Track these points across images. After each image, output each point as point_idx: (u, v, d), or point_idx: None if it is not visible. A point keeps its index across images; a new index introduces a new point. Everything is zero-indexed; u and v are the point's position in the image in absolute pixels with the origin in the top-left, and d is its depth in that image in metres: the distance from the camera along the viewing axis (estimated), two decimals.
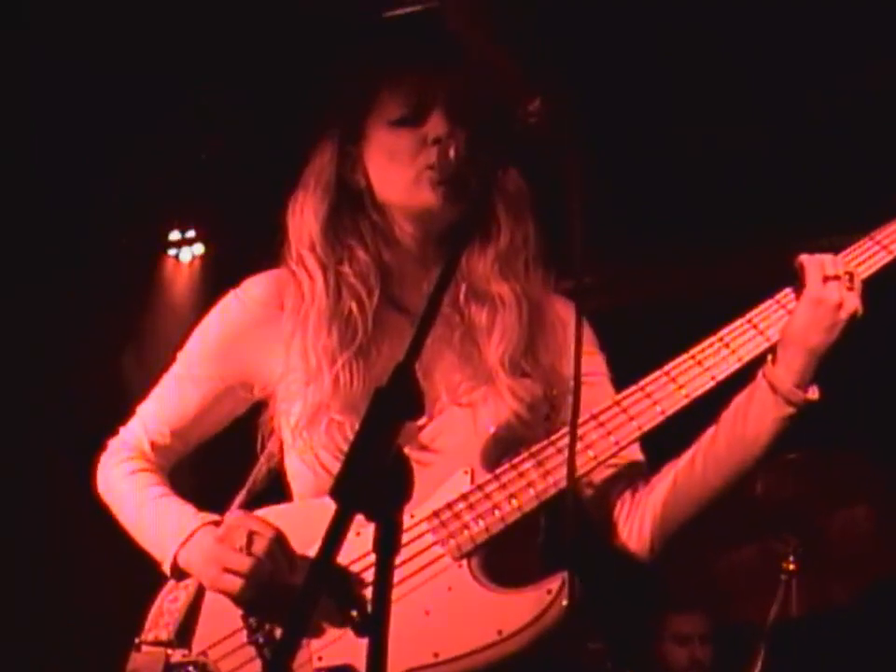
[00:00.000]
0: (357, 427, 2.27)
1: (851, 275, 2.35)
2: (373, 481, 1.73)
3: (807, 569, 3.91)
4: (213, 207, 6.12)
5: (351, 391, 2.48)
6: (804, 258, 2.39)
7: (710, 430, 2.44)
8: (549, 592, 2.28)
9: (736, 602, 4.09)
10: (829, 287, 2.33)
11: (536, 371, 2.53)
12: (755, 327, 2.42)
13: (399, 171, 2.53)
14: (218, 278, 6.26)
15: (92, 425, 5.69)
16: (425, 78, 2.55)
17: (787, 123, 5.27)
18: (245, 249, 5.96)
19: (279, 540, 2.39)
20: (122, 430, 2.71)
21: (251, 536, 2.37)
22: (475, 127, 2.43)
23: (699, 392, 2.40)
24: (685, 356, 2.44)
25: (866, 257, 2.41)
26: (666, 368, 2.44)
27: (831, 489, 3.83)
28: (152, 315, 6.36)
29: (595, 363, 2.61)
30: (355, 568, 2.36)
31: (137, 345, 6.32)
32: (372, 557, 1.78)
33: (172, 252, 6.34)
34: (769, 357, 2.39)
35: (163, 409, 2.66)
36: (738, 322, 2.45)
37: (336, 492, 1.71)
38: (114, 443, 2.70)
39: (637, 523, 2.51)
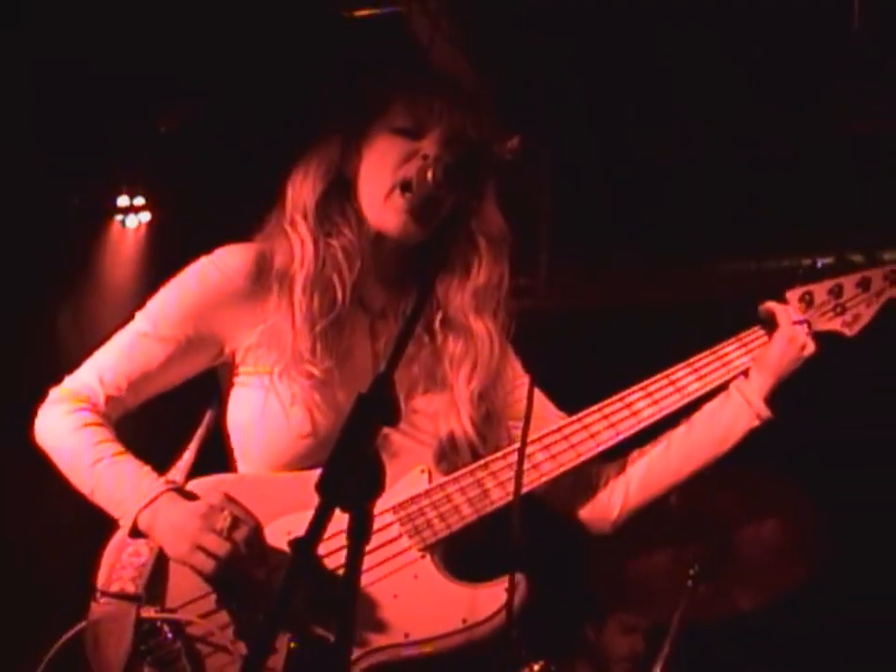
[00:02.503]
0: (327, 389, 2.64)
1: (809, 323, 2.85)
2: (352, 478, 1.92)
3: (714, 577, 4.11)
4: (164, 178, 6.22)
5: (327, 356, 2.67)
6: (773, 305, 2.86)
7: (683, 427, 2.84)
8: (506, 590, 2.53)
9: (648, 603, 4.30)
10: (797, 328, 2.82)
11: (493, 404, 2.81)
12: (722, 359, 2.86)
13: (381, 176, 2.73)
14: (162, 246, 6.40)
15: (28, 378, 5.81)
16: (436, 100, 2.74)
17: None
18: (189, 221, 6.13)
19: (258, 531, 2.53)
20: (70, 380, 2.74)
21: (235, 521, 2.49)
22: (460, 158, 2.62)
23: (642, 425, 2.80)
24: (636, 387, 2.81)
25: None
26: (621, 394, 2.79)
27: (741, 503, 4.06)
28: (94, 277, 6.45)
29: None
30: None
31: (75, 305, 6.42)
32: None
33: (119, 217, 6.43)
34: (741, 376, 2.83)
35: (124, 363, 2.72)
36: (706, 354, 2.85)
37: (320, 488, 1.89)
38: (59, 393, 2.73)
39: (606, 496, 2.88)
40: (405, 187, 2.69)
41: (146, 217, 6.41)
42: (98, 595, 2.58)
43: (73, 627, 2.55)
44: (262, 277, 2.74)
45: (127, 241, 6.47)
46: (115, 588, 2.57)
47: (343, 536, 1.95)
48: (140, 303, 6.02)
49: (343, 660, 1.93)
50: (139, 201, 6.38)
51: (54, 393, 2.75)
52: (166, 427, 2.82)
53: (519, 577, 2.54)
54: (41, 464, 2.76)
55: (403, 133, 2.74)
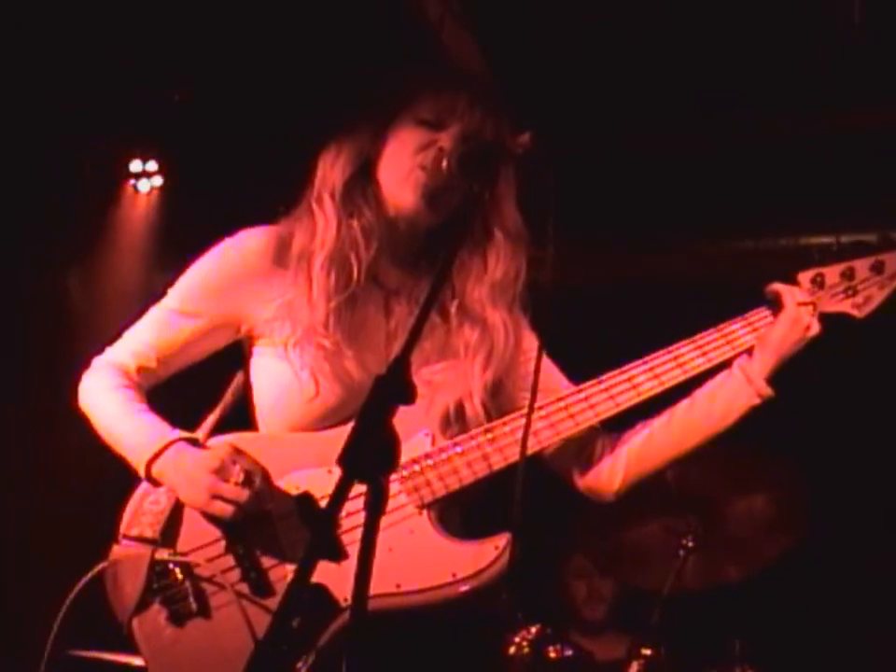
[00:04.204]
0: (337, 359, 2.81)
1: (814, 305, 2.90)
2: (369, 453, 2.06)
3: (704, 548, 4.27)
4: (176, 143, 6.30)
5: (339, 330, 2.83)
6: (779, 286, 2.91)
7: (685, 402, 2.93)
8: (496, 547, 2.70)
9: (640, 570, 4.44)
10: (802, 310, 2.87)
11: (504, 388, 2.95)
12: (725, 337, 2.92)
13: (400, 161, 2.88)
14: (173, 211, 6.50)
15: (38, 339, 5.92)
16: (461, 98, 2.88)
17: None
18: (200, 186, 6.23)
19: (266, 478, 2.75)
20: (109, 351, 2.97)
21: (249, 474, 2.70)
22: (473, 150, 2.75)
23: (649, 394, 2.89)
24: (639, 362, 2.91)
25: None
26: (623, 367, 2.89)
27: (733, 479, 4.20)
28: (107, 240, 6.55)
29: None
30: (325, 502, 2.71)
31: (88, 269, 6.53)
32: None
33: (131, 182, 6.52)
34: (744, 354, 2.90)
35: (154, 337, 2.94)
36: (711, 332, 2.92)
37: (342, 462, 2.03)
38: (98, 361, 2.96)
39: (609, 465, 2.98)
40: (423, 169, 2.84)
41: (158, 181, 6.50)
42: (120, 537, 2.80)
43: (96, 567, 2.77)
44: (281, 257, 2.90)
45: (139, 205, 6.56)
46: (135, 532, 2.79)
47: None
48: (151, 268, 6.12)
49: (358, 624, 2.07)
50: (151, 166, 6.46)
51: (96, 362, 2.96)
52: (198, 392, 3.01)
53: (507, 536, 2.69)
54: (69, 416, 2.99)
55: (425, 125, 2.88)
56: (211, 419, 2.96)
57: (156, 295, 3.00)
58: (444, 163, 2.77)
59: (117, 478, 2.91)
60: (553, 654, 4.20)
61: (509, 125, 2.81)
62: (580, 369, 3.00)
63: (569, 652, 4.24)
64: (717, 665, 4.61)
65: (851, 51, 4.99)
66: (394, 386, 2.12)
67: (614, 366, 2.90)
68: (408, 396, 2.13)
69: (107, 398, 2.89)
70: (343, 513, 2.59)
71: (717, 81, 5.31)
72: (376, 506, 2.07)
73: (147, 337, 2.95)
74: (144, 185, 6.53)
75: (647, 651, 4.15)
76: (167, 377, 2.99)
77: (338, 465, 2.03)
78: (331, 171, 2.93)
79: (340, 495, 2.03)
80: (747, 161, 5.64)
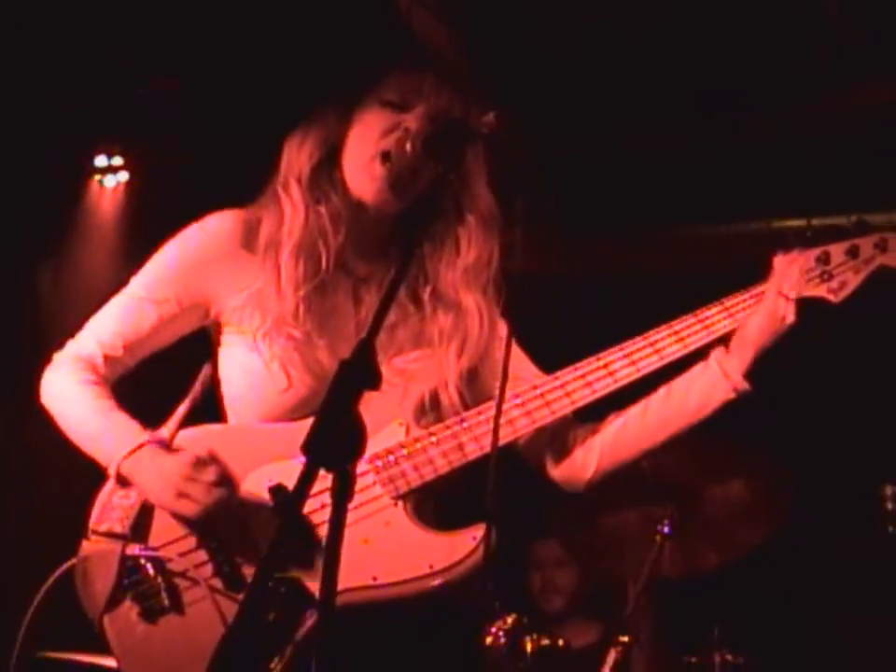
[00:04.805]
0: (308, 349, 2.76)
1: (785, 296, 2.81)
2: (335, 439, 2.01)
3: (681, 535, 4.25)
4: (142, 138, 6.26)
5: (309, 319, 2.79)
6: (778, 261, 2.84)
7: (661, 392, 2.88)
8: (474, 538, 2.65)
9: (617, 559, 4.42)
10: (779, 301, 2.79)
11: (479, 375, 2.91)
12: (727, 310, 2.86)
13: (363, 145, 2.83)
14: (140, 206, 6.44)
15: (9, 339, 5.86)
16: (426, 78, 2.84)
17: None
18: (167, 180, 6.18)
19: (234, 484, 2.72)
20: (71, 344, 2.91)
21: (218, 476, 2.67)
22: (438, 131, 2.70)
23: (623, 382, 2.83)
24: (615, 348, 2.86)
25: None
26: (599, 355, 2.84)
27: (709, 467, 4.19)
28: (73, 236, 6.51)
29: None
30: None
31: (55, 266, 6.47)
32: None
33: (97, 178, 6.48)
34: (721, 347, 2.84)
35: (119, 325, 2.87)
36: (714, 308, 2.86)
37: (306, 450, 1.99)
38: (62, 356, 2.90)
39: (581, 455, 2.94)
40: (385, 157, 2.79)
41: (124, 176, 6.46)
42: (89, 533, 2.75)
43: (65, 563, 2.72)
44: (248, 241, 2.85)
45: (105, 201, 6.51)
46: (104, 528, 2.74)
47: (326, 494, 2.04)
48: (119, 263, 6.05)
49: (327, 613, 2.02)
50: (117, 161, 6.43)
51: (57, 357, 2.91)
52: (166, 383, 2.95)
53: (483, 527, 2.64)
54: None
55: (390, 106, 2.83)
56: (181, 411, 2.89)
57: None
58: (408, 146, 2.73)
59: (84, 475, 2.86)
60: (529, 644, 4.17)
61: (477, 106, 2.76)
62: (553, 358, 2.95)
63: (546, 641, 4.22)
64: (696, 651, 4.60)
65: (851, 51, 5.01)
66: (359, 371, 2.07)
67: (588, 355, 2.85)
68: (373, 380, 2.08)
69: (74, 394, 2.83)
70: (318, 504, 2.57)
71: (717, 81, 5.34)
72: (343, 494, 2.02)
73: (113, 325, 2.89)
74: (110, 180, 6.49)
75: (624, 639, 4.13)
76: (134, 365, 2.93)
77: (302, 452, 1.99)
78: (297, 156, 2.88)
79: (305, 483, 1.98)
80: (746, 162, 5.67)
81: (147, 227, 6.09)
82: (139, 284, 2.90)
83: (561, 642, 4.26)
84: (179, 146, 6.09)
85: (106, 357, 2.87)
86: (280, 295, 2.79)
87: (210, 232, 2.87)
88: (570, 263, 6.05)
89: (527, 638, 4.17)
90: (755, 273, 2.89)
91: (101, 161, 6.42)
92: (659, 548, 4.22)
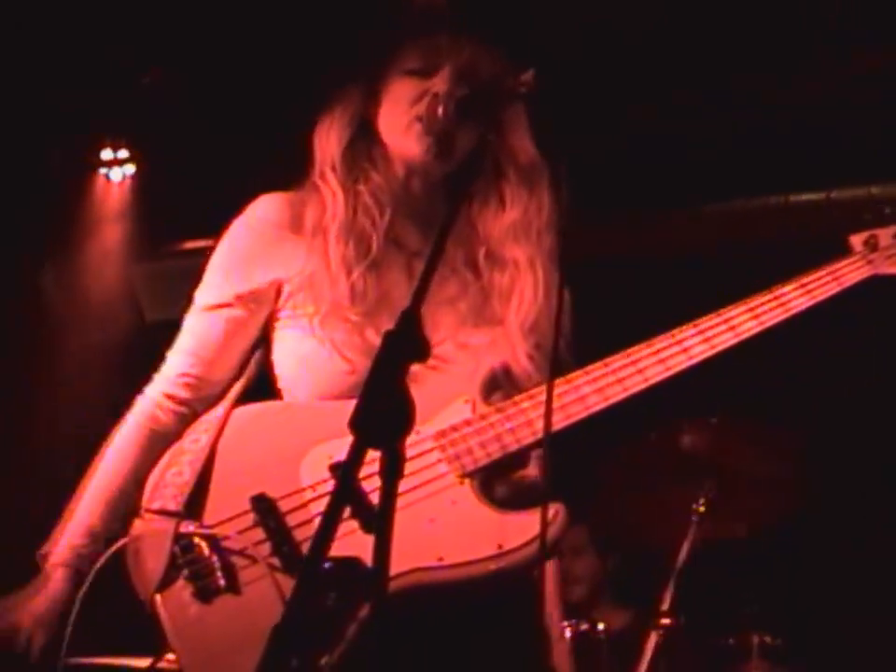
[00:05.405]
0: (368, 331, 2.66)
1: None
2: (383, 416, 1.91)
3: (715, 510, 4.23)
4: (147, 130, 6.20)
5: (365, 300, 2.69)
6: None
7: None
8: (549, 516, 2.49)
9: (653, 532, 4.39)
10: None
11: (543, 336, 2.75)
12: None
13: (397, 115, 2.74)
14: (147, 199, 6.38)
15: (11, 336, 5.80)
16: (442, 38, 2.75)
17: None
18: (174, 172, 6.11)
19: None
20: (156, 377, 2.83)
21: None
22: (473, 92, 2.62)
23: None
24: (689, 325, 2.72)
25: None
26: (672, 332, 2.70)
27: (742, 447, 4.18)
28: (80, 231, 6.46)
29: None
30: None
31: (59, 262, 6.41)
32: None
33: (103, 171, 6.42)
34: None
35: (191, 344, 2.79)
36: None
37: (353, 426, 1.89)
38: (140, 398, 2.82)
39: None
40: (420, 122, 2.71)
41: (130, 169, 6.40)
42: (142, 511, 2.65)
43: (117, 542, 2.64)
44: (296, 225, 2.78)
45: (112, 194, 6.45)
46: (156, 506, 2.63)
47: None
48: (128, 257, 5.95)
49: (378, 595, 1.92)
50: (123, 153, 6.36)
51: (140, 397, 2.84)
52: None
53: (558, 506, 2.53)
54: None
55: (415, 74, 2.75)
56: (235, 389, 2.79)
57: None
58: (440, 110, 2.63)
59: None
60: (569, 630, 4.10)
61: (507, 64, 2.65)
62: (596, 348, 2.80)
63: (584, 627, 4.15)
64: (734, 632, 4.52)
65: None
66: (405, 342, 1.97)
67: (632, 344, 2.71)
68: (420, 352, 1.97)
69: (106, 454, 2.77)
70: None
71: (717, 81, 5.32)
72: (392, 475, 1.91)
73: (185, 345, 2.81)
74: (116, 174, 6.43)
75: (665, 621, 4.05)
76: (222, 383, 2.81)
77: (349, 429, 1.89)
78: (327, 143, 2.80)
79: (354, 461, 1.88)
80: (746, 162, 5.59)
81: (155, 220, 6.06)
82: (200, 296, 2.83)
83: (601, 626, 4.19)
84: (186, 135, 6.03)
85: (183, 384, 2.79)
86: (333, 280, 2.70)
87: (255, 223, 2.80)
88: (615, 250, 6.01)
89: (565, 625, 4.06)
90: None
91: (106, 154, 6.37)
92: (697, 525, 4.18)
